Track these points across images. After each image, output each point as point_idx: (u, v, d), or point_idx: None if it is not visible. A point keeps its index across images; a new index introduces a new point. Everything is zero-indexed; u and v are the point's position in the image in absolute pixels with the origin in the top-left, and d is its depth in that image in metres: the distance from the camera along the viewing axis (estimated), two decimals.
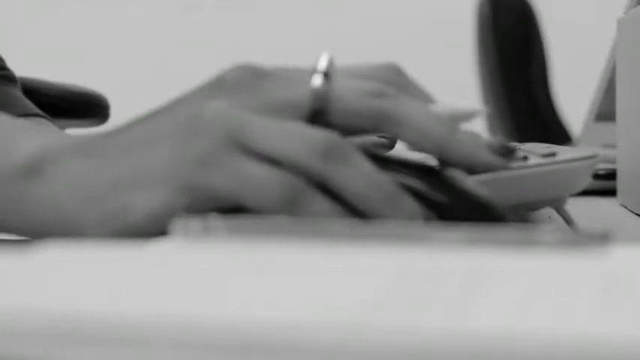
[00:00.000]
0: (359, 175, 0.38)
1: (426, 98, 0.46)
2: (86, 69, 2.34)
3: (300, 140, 0.38)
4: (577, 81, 1.95)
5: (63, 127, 1.02)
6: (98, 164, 0.40)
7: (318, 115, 0.40)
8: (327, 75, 0.41)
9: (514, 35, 1.96)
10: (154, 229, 0.39)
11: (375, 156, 0.40)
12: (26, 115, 0.79)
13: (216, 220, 0.33)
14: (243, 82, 0.41)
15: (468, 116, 0.44)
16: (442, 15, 2.72)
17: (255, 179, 0.38)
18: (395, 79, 0.45)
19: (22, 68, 0.86)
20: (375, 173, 0.39)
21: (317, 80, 0.41)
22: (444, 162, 0.42)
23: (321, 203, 0.38)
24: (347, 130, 0.41)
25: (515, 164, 0.49)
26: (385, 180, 0.39)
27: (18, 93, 0.82)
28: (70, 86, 1.08)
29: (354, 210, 0.39)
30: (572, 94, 1.90)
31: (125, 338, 0.22)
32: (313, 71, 0.41)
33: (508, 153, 0.42)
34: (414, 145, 0.41)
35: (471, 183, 0.42)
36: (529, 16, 1.95)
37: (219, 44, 2.79)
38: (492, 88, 1.99)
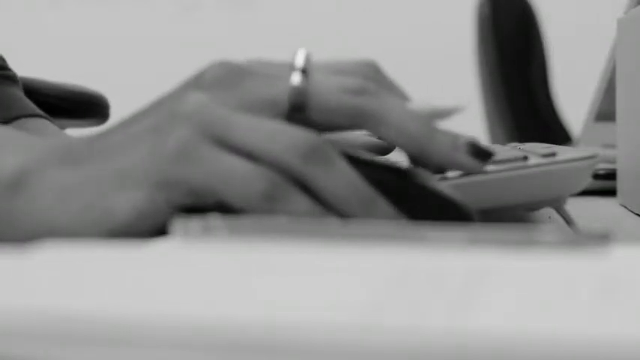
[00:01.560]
0: (338, 178, 0.39)
1: (402, 96, 0.46)
2: (86, 69, 2.34)
3: (281, 138, 0.38)
4: (577, 81, 1.95)
5: (63, 127, 1.02)
6: (81, 171, 0.40)
7: (297, 111, 0.41)
8: (304, 71, 0.41)
9: (514, 35, 1.96)
10: (141, 227, 0.39)
11: (348, 155, 0.40)
12: (26, 115, 0.79)
13: (216, 220, 0.33)
14: (222, 79, 0.41)
15: (447, 113, 0.44)
16: (442, 15, 2.72)
17: (235, 173, 0.38)
18: (372, 75, 0.45)
19: (22, 68, 0.86)
20: (354, 176, 0.39)
21: (295, 77, 0.41)
22: (415, 161, 0.43)
23: (301, 201, 0.38)
24: (326, 127, 0.41)
25: (515, 164, 0.49)
26: (363, 183, 0.39)
27: (19, 93, 0.82)
28: (70, 86, 1.08)
29: (332, 210, 0.39)
30: (572, 94, 1.90)
31: (125, 338, 0.22)
32: (291, 67, 0.41)
33: (485, 156, 0.42)
34: (392, 143, 0.42)
35: (438, 183, 0.42)
36: (529, 16, 1.95)
37: (219, 44, 2.79)
38: (492, 88, 1.99)
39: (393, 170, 0.41)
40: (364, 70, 0.45)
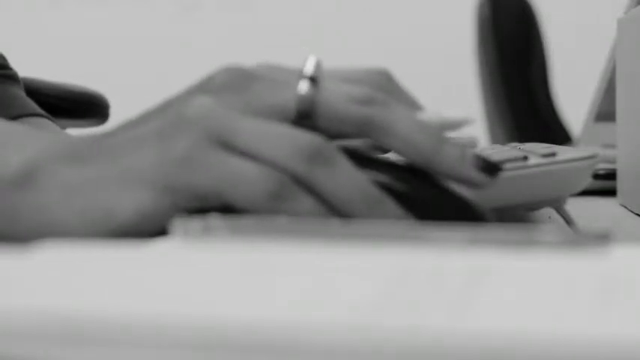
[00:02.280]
0: (343, 180, 0.39)
1: (414, 105, 0.46)
2: (86, 69, 2.34)
3: (286, 141, 0.38)
4: (577, 81, 1.95)
5: (63, 127, 1.02)
6: (86, 170, 0.40)
7: (304, 119, 0.41)
8: (313, 79, 0.41)
9: (514, 35, 1.96)
10: (142, 229, 0.39)
11: (358, 155, 0.40)
12: (27, 114, 0.79)
13: (216, 220, 0.33)
14: (230, 83, 0.42)
15: (457, 125, 0.44)
16: (442, 15, 2.72)
17: (240, 175, 0.38)
18: (384, 84, 0.45)
19: (22, 68, 0.86)
20: (360, 178, 0.39)
21: (303, 85, 0.41)
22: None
23: (307, 201, 0.38)
24: (333, 135, 0.41)
25: (515, 164, 0.49)
26: (369, 184, 0.39)
27: (20, 92, 0.82)
28: (70, 86, 1.08)
29: (338, 210, 0.39)
30: (572, 94, 1.90)
31: (125, 338, 0.22)
32: (300, 74, 0.41)
33: (492, 170, 0.42)
34: (398, 154, 0.42)
35: (451, 183, 0.42)
36: (529, 16, 1.95)
37: (219, 44, 2.79)
38: (492, 88, 1.99)
39: (405, 170, 0.41)
40: (375, 78, 0.45)
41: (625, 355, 0.20)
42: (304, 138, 0.39)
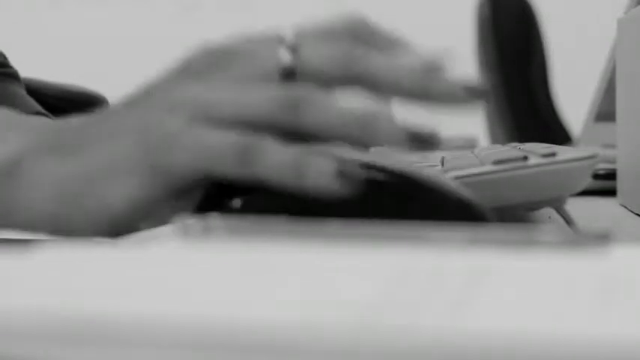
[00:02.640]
0: (328, 110, 0.39)
1: (395, 43, 0.46)
2: (86, 69, 2.34)
3: (261, 96, 0.39)
4: (577, 81, 1.95)
5: None
6: (72, 161, 0.40)
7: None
8: (293, 47, 0.41)
9: (514, 35, 1.96)
10: (138, 215, 0.39)
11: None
12: (27, 114, 0.79)
13: (216, 220, 0.33)
14: (210, 63, 0.42)
15: (439, 62, 0.44)
16: (442, 15, 2.72)
17: (211, 147, 0.39)
18: (361, 33, 0.46)
19: (22, 68, 0.86)
20: (342, 105, 0.39)
21: (285, 55, 0.41)
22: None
23: (277, 150, 0.39)
24: (323, 138, 0.41)
25: (515, 164, 0.49)
26: (353, 108, 0.39)
27: (20, 91, 0.82)
28: (70, 86, 1.08)
29: (324, 138, 0.39)
30: (572, 94, 1.90)
31: (125, 338, 0.22)
32: (279, 41, 0.41)
33: (479, 93, 0.42)
34: (391, 99, 0.42)
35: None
36: (529, 16, 1.95)
37: None
38: (492, 88, 1.98)
39: (404, 170, 0.41)
40: (352, 27, 0.45)
41: (625, 355, 0.20)
42: (278, 89, 0.39)
